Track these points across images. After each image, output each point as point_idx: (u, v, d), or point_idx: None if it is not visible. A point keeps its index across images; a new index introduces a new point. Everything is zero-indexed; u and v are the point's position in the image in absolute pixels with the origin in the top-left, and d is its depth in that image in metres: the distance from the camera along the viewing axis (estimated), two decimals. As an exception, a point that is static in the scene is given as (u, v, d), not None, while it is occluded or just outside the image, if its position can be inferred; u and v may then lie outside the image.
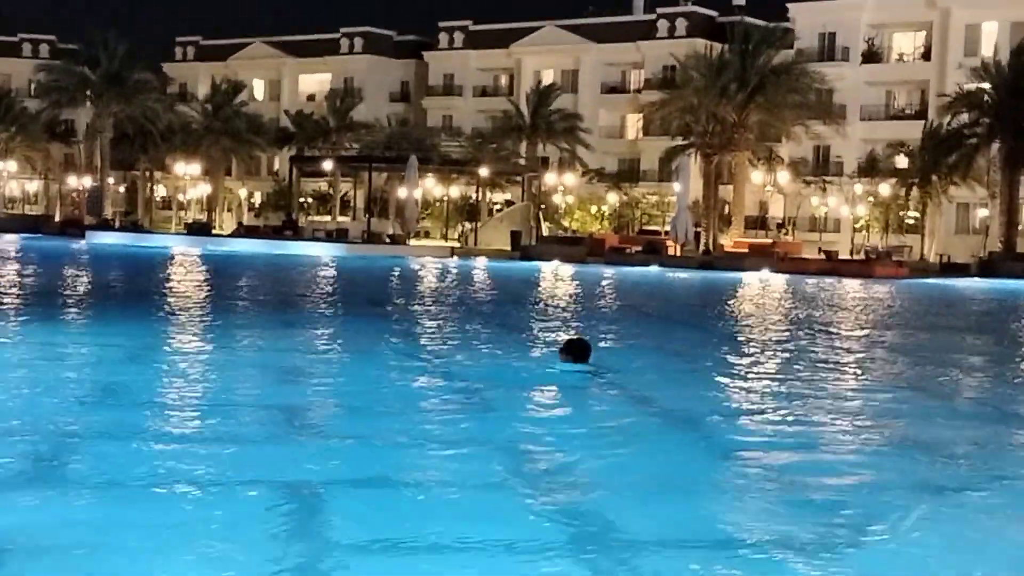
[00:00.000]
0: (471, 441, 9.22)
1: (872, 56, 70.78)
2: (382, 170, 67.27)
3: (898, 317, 26.61)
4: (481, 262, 48.30)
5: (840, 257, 55.13)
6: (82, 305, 21.71)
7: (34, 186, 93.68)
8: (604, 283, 35.70)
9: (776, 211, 71.52)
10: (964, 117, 57.93)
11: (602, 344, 15.66)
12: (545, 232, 62.17)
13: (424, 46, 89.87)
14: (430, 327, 19.41)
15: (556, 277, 38.38)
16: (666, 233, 59.22)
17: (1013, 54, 57.69)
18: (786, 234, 66.68)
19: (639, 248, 54.27)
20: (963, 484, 8.31)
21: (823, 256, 54.22)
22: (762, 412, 11.15)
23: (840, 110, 66.54)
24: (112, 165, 79.84)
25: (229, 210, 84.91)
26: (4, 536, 6.14)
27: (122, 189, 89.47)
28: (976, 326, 25.47)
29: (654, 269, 46.78)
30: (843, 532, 6.81)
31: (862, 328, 22.45)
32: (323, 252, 50.06)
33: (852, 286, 39.02)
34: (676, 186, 56.45)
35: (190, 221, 75.18)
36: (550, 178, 70.53)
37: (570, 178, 70.01)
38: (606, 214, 73.74)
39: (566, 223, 71.77)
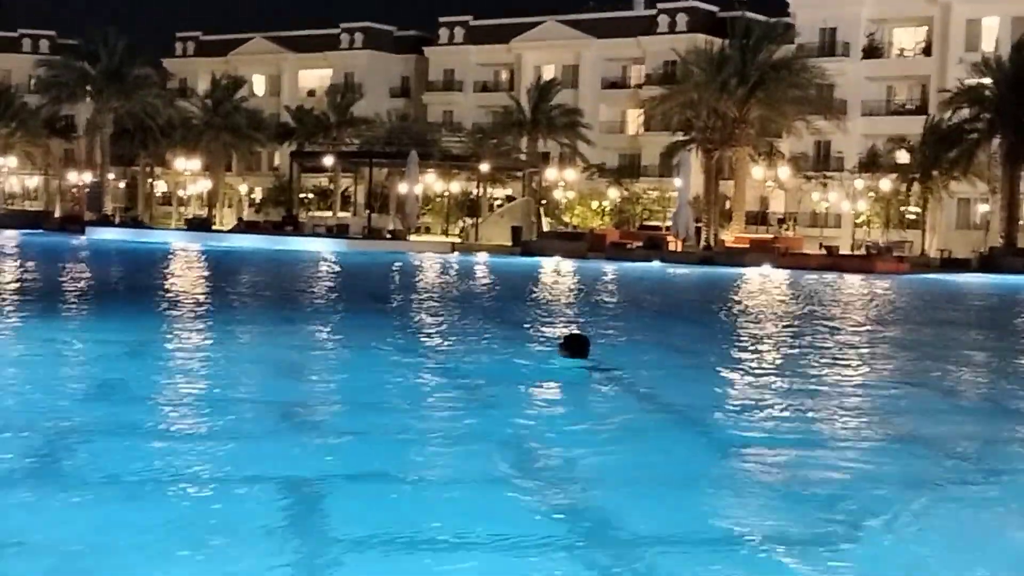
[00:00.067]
0: (470, 436, 9.21)
1: (873, 51, 70.75)
2: (382, 166, 67.26)
3: (899, 312, 26.60)
4: (482, 258, 48.30)
5: (841, 252, 55.16)
6: (82, 301, 21.70)
7: (34, 182, 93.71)
8: (605, 279, 35.69)
9: (777, 206, 71.53)
10: (965, 112, 57.91)
11: (602, 339, 15.63)
12: (546, 228, 62.15)
13: (424, 41, 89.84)
14: (430, 323, 19.39)
15: (557, 273, 38.37)
16: (667, 229, 59.16)
17: (1014, 49, 57.65)
18: (787, 229, 66.68)
19: (640, 244, 54.23)
20: (964, 480, 8.29)
21: (824, 251, 54.23)
22: (763, 408, 11.13)
23: (841, 105, 66.52)
24: (112, 161, 79.87)
25: (229, 206, 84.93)
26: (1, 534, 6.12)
27: (122, 185, 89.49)
28: (977, 321, 25.46)
29: (655, 265, 46.76)
30: (844, 529, 6.79)
31: (863, 323, 22.43)
32: (323, 248, 50.06)
33: (853, 281, 39.00)
34: (677, 181, 56.42)
35: (190, 217, 75.12)
36: (551, 174, 70.51)
37: (571, 174, 69.98)
38: (607, 210, 73.72)
39: (567, 219, 71.75)
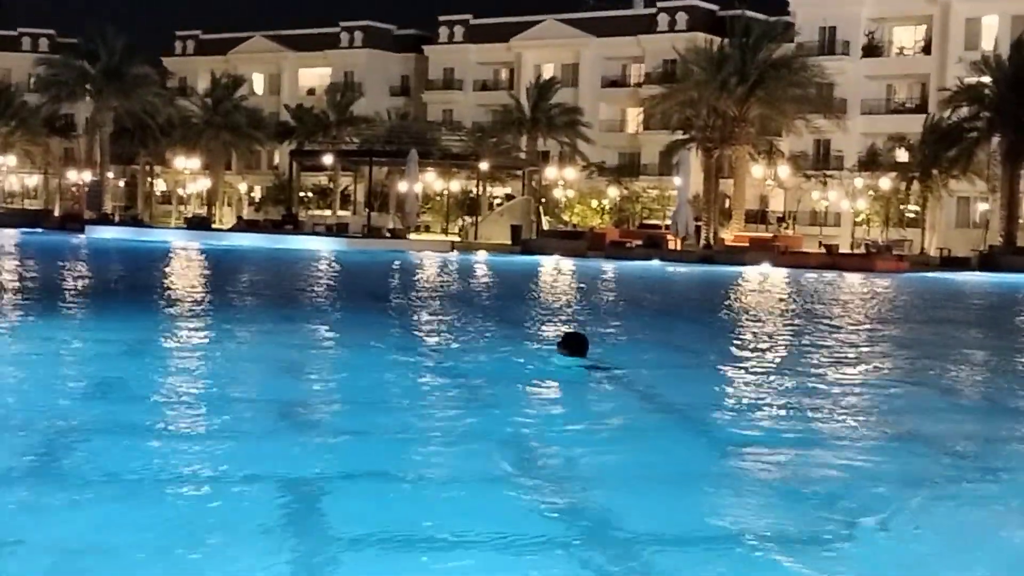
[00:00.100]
0: (468, 435, 9.21)
1: (872, 50, 70.77)
2: (382, 164, 67.26)
3: (899, 311, 26.59)
4: (481, 256, 48.31)
5: (840, 251, 55.15)
6: (81, 300, 21.69)
7: (34, 181, 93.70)
8: (604, 277, 35.70)
9: (776, 205, 71.55)
10: (964, 111, 57.96)
11: (601, 338, 15.63)
12: (545, 226, 62.16)
13: (424, 40, 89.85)
14: (429, 322, 19.39)
15: (556, 271, 38.37)
16: (667, 227, 59.18)
17: (1013, 48, 57.66)
18: (786, 228, 66.69)
19: (639, 242, 54.24)
20: (963, 479, 8.30)
21: (823, 250, 54.22)
22: (762, 406, 11.13)
23: (840, 104, 66.55)
24: (112, 159, 79.88)
25: (229, 204, 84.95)
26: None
27: (122, 183, 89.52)
28: (976, 320, 25.46)
29: (654, 263, 46.76)
30: (843, 528, 6.79)
31: (863, 322, 22.43)
32: (323, 246, 50.07)
33: (852, 280, 39.00)
34: (676, 180, 56.43)
35: (190, 215, 75.15)
36: (550, 172, 70.53)
37: (570, 172, 70.00)
38: (606, 208, 73.73)
39: (566, 217, 71.76)
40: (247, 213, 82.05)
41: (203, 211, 79.01)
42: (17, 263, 33.07)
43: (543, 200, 67.43)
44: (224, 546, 6.05)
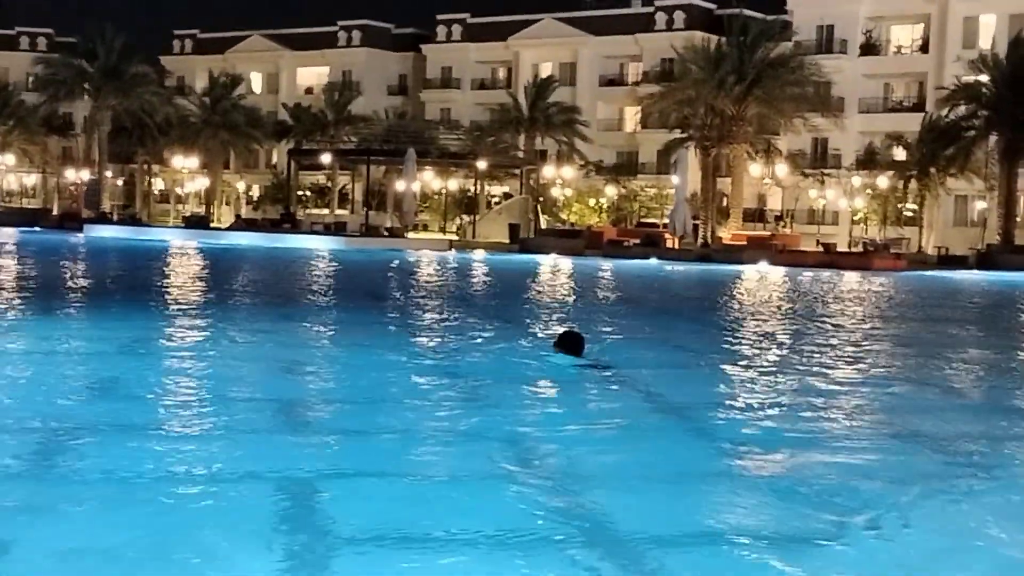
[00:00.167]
0: (465, 434, 9.23)
1: (870, 48, 70.79)
2: (380, 163, 67.24)
3: (896, 310, 26.61)
4: (479, 255, 48.30)
5: (838, 249, 55.13)
6: (80, 298, 21.69)
7: (32, 179, 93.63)
8: (602, 276, 35.71)
9: (774, 204, 71.55)
10: (962, 109, 57.95)
11: (597, 336, 15.66)
12: (543, 225, 62.14)
13: (422, 39, 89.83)
14: (427, 320, 19.40)
15: (554, 270, 38.38)
16: (664, 226, 59.18)
17: (1011, 46, 57.67)
18: (784, 226, 66.69)
19: (637, 241, 54.25)
20: (962, 478, 8.31)
21: (821, 248, 54.21)
22: (760, 405, 11.15)
23: (838, 102, 66.55)
24: (110, 158, 79.81)
25: (227, 203, 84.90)
26: (-2, 530, 6.15)
27: (120, 182, 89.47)
28: (974, 318, 25.48)
29: (652, 262, 46.76)
30: (844, 528, 6.81)
31: (860, 321, 22.44)
32: (321, 245, 50.04)
33: (850, 278, 39.02)
34: (674, 179, 56.43)
35: (188, 214, 75.12)
36: (548, 171, 70.52)
37: (568, 171, 70.00)
38: (604, 207, 73.73)
39: (564, 216, 71.76)
40: (245, 212, 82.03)
41: (201, 210, 78.98)
42: (15, 262, 33.06)
43: (541, 199, 67.42)
44: (223, 546, 6.06)
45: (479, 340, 16.14)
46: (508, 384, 11.72)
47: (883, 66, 70.76)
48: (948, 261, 53.55)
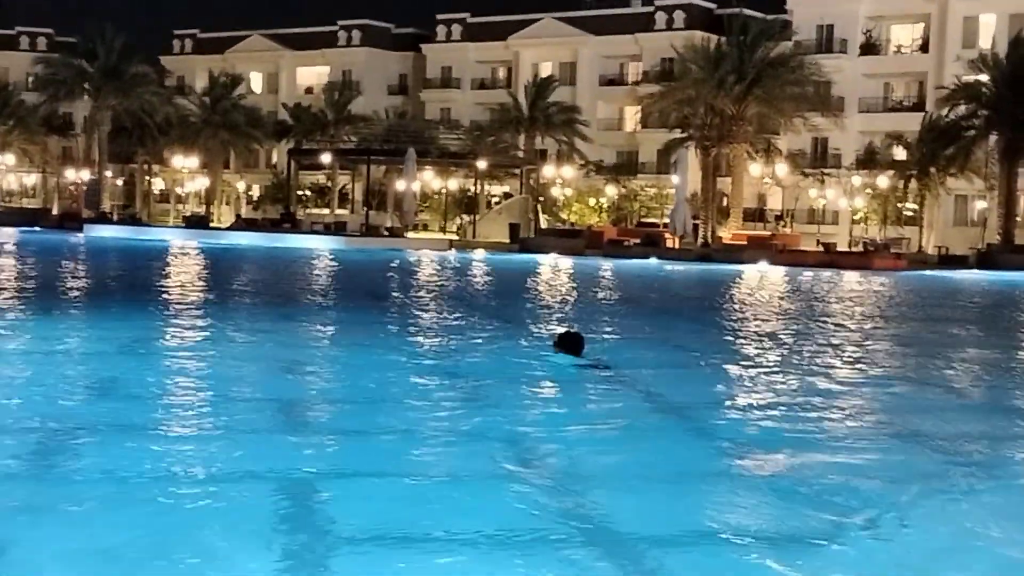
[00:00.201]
0: (465, 434, 9.23)
1: (870, 48, 70.78)
2: (380, 163, 67.24)
3: (897, 309, 26.61)
4: (479, 255, 48.30)
5: (838, 249, 55.12)
6: (80, 298, 21.69)
7: (32, 179, 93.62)
8: (602, 276, 35.70)
9: (774, 203, 71.51)
10: (962, 109, 57.92)
11: (597, 336, 15.66)
12: (543, 225, 62.14)
13: (422, 39, 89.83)
14: (427, 320, 19.40)
15: (554, 270, 38.38)
16: (664, 225, 59.17)
17: (1011, 46, 57.65)
18: (784, 226, 66.66)
19: (637, 241, 54.23)
20: (962, 477, 8.31)
21: (821, 248, 54.21)
22: (760, 405, 11.16)
23: (838, 102, 66.51)
24: (110, 158, 79.79)
25: (227, 203, 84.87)
26: (-2, 531, 6.15)
27: (120, 182, 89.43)
28: (974, 318, 25.47)
29: (652, 262, 46.75)
30: (843, 527, 6.81)
31: (861, 320, 22.44)
32: (321, 245, 50.05)
33: (850, 278, 39.01)
34: (674, 178, 56.43)
35: (188, 214, 75.09)
36: (548, 170, 70.50)
37: (568, 171, 69.98)
38: (604, 206, 73.71)
39: (564, 216, 71.76)
40: (245, 212, 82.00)
41: (201, 210, 78.96)
42: (15, 262, 33.05)
43: (541, 198, 67.41)
44: (223, 546, 6.06)
45: (479, 340, 16.14)
46: (508, 384, 11.72)
47: (883, 66, 70.74)
48: (948, 261, 53.54)
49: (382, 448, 8.57)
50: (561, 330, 14.81)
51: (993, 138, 56.94)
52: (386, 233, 57.26)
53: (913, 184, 61.21)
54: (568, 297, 26.55)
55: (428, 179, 69.40)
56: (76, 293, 22.93)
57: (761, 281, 35.82)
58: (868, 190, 64.20)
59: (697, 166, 61.74)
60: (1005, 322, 24.42)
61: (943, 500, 7.63)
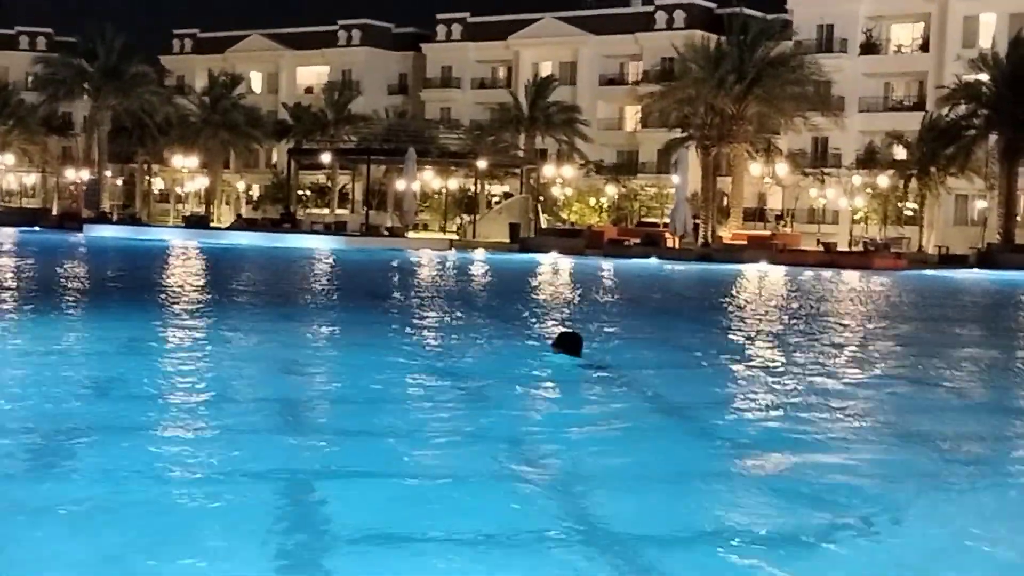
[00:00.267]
0: (465, 434, 9.22)
1: (870, 48, 70.77)
2: (380, 163, 67.24)
3: (897, 309, 26.60)
4: (479, 254, 48.30)
5: (838, 249, 55.13)
6: (79, 298, 21.68)
7: (32, 179, 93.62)
8: (602, 275, 35.71)
9: (774, 203, 71.52)
10: (962, 108, 57.93)
11: (597, 336, 15.65)
12: (543, 224, 62.14)
13: (422, 38, 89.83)
14: (427, 320, 19.40)
15: (554, 270, 38.38)
16: (665, 225, 59.17)
17: (1011, 45, 57.66)
18: (784, 226, 66.65)
19: (638, 240, 54.24)
20: (962, 477, 8.31)
21: (821, 248, 54.22)
22: (760, 405, 11.15)
23: (838, 102, 66.51)
24: (110, 158, 79.79)
25: (227, 203, 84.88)
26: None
27: (120, 182, 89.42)
28: (974, 317, 25.47)
29: (653, 261, 46.76)
30: (843, 527, 6.81)
31: (861, 320, 22.44)
32: (321, 245, 50.06)
33: (851, 278, 39.02)
34: (675, 178, 56.43)
35: (188, 214, 75.11)
36: (548, 170, 70.51)
37: (568, 170, 69.99)
38: (604, 206, 73.71)
39: (564, 215, 71.76)
40: (245, 211, 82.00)
41: (201, 210, 78.97)
42: (15, 262, 33.04)
43: (541, 198, 67.39)
44: (223, 546, 6.06)
45: (479, 340, 16.14)
46: (508, 384, 11.72)
47: (883, 65, 70.74)
48: (948, 260, 53.55)
49: (382, 448, 8.56)
50: (561, 330, 14.80)
51: (993, 138, 56.95)
52: (386, 233, 57.26)
53: (913, 184, 61.21)
54: (568, 297, 26.55)
55: (428, 179, 69.41)
56: (76, 293, 22.92)
57: (761, 281, 35.82)
58: (868, 190, 64.21)
59: (697, 166, 61.73)
60: (1005, 322, 24.42)
61: (943, 500, 7.62)
